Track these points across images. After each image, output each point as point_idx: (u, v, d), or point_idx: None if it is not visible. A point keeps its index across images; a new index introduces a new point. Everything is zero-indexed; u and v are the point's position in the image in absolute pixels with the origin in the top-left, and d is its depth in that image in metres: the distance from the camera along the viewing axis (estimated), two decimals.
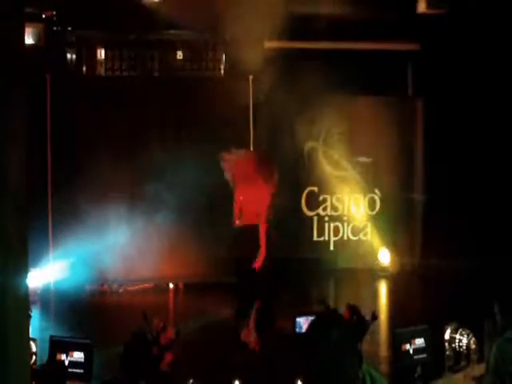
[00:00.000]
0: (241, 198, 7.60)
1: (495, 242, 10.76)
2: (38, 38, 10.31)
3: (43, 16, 10.50)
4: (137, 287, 10.96)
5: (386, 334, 8.21)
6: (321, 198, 11.76)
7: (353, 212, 11.82)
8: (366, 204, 11.84)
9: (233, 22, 9.55)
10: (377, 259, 11.67)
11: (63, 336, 6.08)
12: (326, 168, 11.53)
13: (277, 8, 9.60)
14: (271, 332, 7.55)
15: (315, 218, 11.77)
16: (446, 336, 6.12)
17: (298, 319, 7.45)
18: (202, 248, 10.48)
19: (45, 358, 5.99)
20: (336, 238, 11.81)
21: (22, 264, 3.62)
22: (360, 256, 11.69)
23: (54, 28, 10.90)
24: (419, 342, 6.16)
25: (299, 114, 10.85)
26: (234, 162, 7.68)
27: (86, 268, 10.50)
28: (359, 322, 7.32)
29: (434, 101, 11.37)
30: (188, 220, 10.59)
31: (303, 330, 7.40)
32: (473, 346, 5.92)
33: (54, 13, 10.65)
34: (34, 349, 6.05)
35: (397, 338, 6.18)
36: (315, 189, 11.69)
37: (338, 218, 11.83)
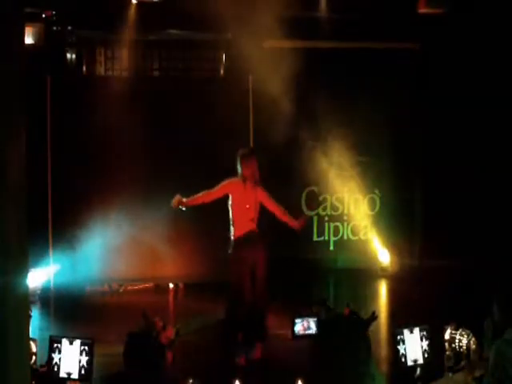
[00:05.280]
0: (247, 206, 7.54)
1: (495, 242, 10.76)
2: (37, 38, 10.30)
3: (43, 16, 10.50)
4: (137, 287, 10.97)
5: (386, 334, 8.21)
6: (321, 197, 11.77)
7: (353, 212, 11.83)
8: (366, 204, 11.85)
9: (233, 22, 9.56)
10: (377, 259, 11.67)
11: (63, 336, 6.08)
12: (326, 168, 11.53)
13: (277, 8, 9.61)
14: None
15: (315, 218, 11.77)
16: (446, 336, 6.12)
17: (296, 320, 7.46)
18: (202, 248, 10.48)
19: (45, 357, 5.99)
20: (336, 238, 11.82)
21: (22, 264, 3.63)
22: (360, 256, 11.69)
23: (54, 28, 10.90)
24: (419, 342, 6.16)
25: (299, 114, 10.84)
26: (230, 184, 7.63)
27: (86, 268, 10.49)
28: (358, 322, 7.37)
29: (434, 100, 11.38)
30: (188, 220, 10.58)
31: (301, 331, 7.43)
32: (473, 346, 5.92)
33: (54, 13, 10.64)
34: (34, 349, 6.06)
35: (396, 338, 6.18)
36: (315, 188, 11.70)
37: (338, 218, 11.84)
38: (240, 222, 7.49)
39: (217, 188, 7.58)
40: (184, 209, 7.66)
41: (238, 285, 7.40)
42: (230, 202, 7.55)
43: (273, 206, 7.59)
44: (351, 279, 11.15)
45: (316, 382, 6.31)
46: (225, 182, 7.58)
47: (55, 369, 5.93)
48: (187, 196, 7.66)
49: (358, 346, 7.09)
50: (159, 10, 10.46)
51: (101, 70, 11.71)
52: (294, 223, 7.64)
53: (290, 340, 7.55)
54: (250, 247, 7.43)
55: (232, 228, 7.54)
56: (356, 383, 6.63)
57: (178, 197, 7.59)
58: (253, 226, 7.50)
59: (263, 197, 7.56)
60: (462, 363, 5.92)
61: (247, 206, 7.47)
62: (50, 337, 6.05)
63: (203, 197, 7.62)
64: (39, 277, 10.26)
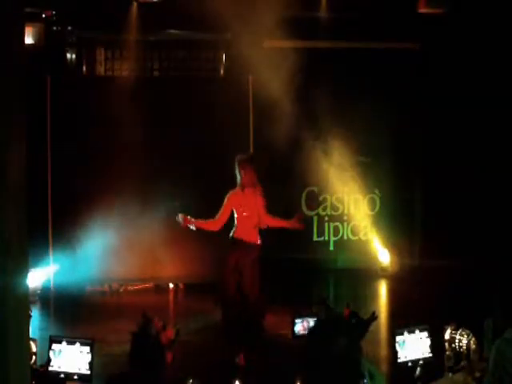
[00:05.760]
0: (244, 214, 7.54)
1: (495, 242, 10.76)
2: (37, 38, 10.30)
3: (43, 16, 10.50)
4: (137, 287, 10.97)
5: (386, 334, 8.21)
6: (321, 197, 11.77)
7: (353, 212, 11.82)
8: (366, 204, 11.85)
9: (233, 22, 9.56)
10: (377, 259, 11.67)
11: (63, 336, 6.07)
12: (326, 168, 11.53)
13: (277, 7, 9.62)
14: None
15: (315, 218, 11.77)
16: (446, 336, 6.11)
17: (296, 320, 7.45)
18: (203, 248, 10.48)
19: (45, 357, 5.99)
20: (336, 238, 11.82)
21: (22, 264, 3.62)
22: (360, 256, 11.69)
23: (54, 28, 10.90)
24: (419, 342, 6.16)
25: (299, 114, 10.84)
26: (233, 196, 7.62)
27: (86, 268, 10.49)
28: (358, 324, 7.34)
29: (434, 100, 11.38)
30: None
31: (301, 331, 7.41)
32: (473, 346, 5.91)
33: (54, 13, 10.64)
34: (34, 349, 6.05)
35: (396, 338, 6.17)
36: (315, 189, 11.70)
37: (338, 218, 11.84)
38: (242, 227, 7.50)
39: (221, 209, 7.55)
40: (194, 228, 7.58)
41: (222, 284, 7.51)
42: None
43: (267, 218, 7.57)
44: (351, 279, 11.15)
45: (316, 382, 6.30)
46: (228, 195, 7.57)
47: (55, 369, 5.93)
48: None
49: (356, 346, 7.08)
50: (159, 10, 10.46)
51: (101, 70, 11.71)
52: (290, 223, 7.63)
53: (290, 340, 7.55)
54: (238, 251, 7.45)
55: (233, 229, 7.56)
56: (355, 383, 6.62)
57: (186, 217, 7.48)
58: (254, 234, 7.51)
59: (260, 206, 7.55)
60: (462, 363, 5.91)
61: (245, 214, 7.47)
62: (50, 337, 6.03)
63: (215, 225, 7.57)
64: (39, 277, 10.26)
